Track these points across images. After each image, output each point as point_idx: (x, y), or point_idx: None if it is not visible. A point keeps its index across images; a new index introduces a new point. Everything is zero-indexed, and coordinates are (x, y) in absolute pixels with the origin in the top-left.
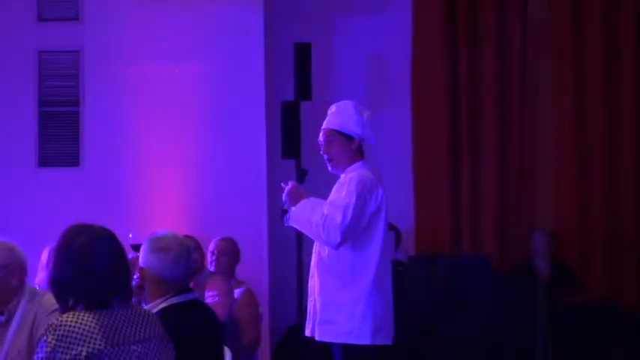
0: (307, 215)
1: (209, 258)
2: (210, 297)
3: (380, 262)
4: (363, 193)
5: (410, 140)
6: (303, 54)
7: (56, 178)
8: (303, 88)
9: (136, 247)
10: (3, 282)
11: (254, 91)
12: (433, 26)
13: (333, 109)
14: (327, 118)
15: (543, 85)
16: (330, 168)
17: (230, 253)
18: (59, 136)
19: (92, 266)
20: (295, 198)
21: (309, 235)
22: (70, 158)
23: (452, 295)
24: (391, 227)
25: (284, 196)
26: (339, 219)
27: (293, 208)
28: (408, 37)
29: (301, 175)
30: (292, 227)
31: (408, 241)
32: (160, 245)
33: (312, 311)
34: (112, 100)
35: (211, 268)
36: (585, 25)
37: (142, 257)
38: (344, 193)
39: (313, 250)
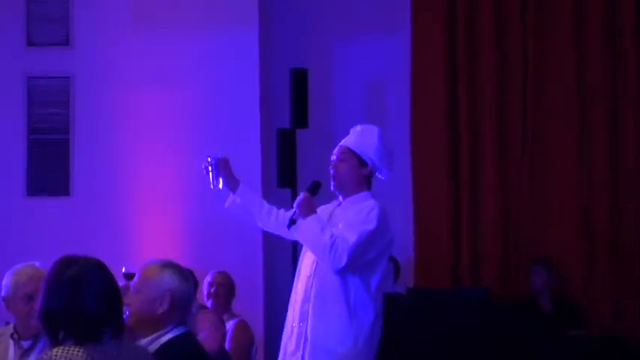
0: (316, 232)
1: (206, 290)
2: (200, 331)
3: (380, 295)
4: (382, 226)
5: (409, 168)
6: (299, 80)
7: (45, 207)
8: (300, 115)
9: (129, 276)
10: (34, 310)
11: (249, 118)
12: (433, 51)
13: (358, 128)
14: (347, 136)
15: (545, 109)
16: (332, 186)
17: (227, 285)
18: (48, 165)
19: (83, 298)
20: (306, 210)
21: (313, 252)
22: (60, 187)
23: (452, 330)
24: (390, 258)
25: (295, 205)
26: (351, 241)
27: (301, 220)
28: (407, 63)
29: (314, 188)
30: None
31: (407, 272)
32: None
33: (296, 337)
34: (103, 127)
35: (209, 300)
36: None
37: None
38: (363, 218)
39: (305, 274)
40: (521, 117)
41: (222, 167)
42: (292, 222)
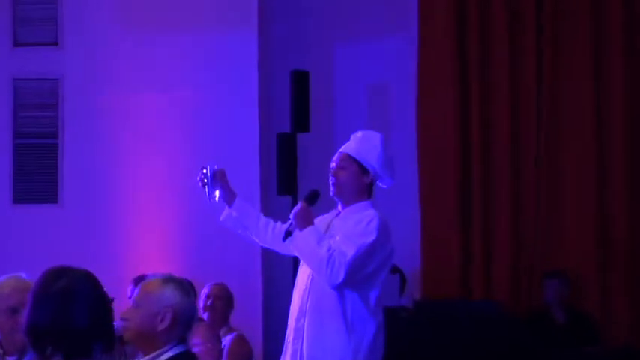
0: (313, 245)
1: (202, 302)
2: (195, 345)
3: (381, 309)
4: (381, 237)
5: (416, 176)
6: (300, 82)
7: (32, 216)
8: (301, 119)
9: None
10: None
11: (247, 122)
12: (441, 52)
13: (359, 135)
14: (348, 143)
15: (561, 114)
16: (332, 192)
17: (224, 297)
18: (36, 171)
19: (72, 312)
20: (303, 221)
21: (309, 266)
22: (48, 195)
23: (461, 345)
24: (395, 269)
25: (291, 216)
26: (349, 255)
27: (297, 232)
28: (413, 64)
29: (312, 197)
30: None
31: (413, 284)
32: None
33: (290, 353)
34: (94, 131)
35: (205, 313)
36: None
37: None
38: (362, 230)
39: (301, 287)
40: (535, 122)
41: (219, 179)
42: (288, 234)
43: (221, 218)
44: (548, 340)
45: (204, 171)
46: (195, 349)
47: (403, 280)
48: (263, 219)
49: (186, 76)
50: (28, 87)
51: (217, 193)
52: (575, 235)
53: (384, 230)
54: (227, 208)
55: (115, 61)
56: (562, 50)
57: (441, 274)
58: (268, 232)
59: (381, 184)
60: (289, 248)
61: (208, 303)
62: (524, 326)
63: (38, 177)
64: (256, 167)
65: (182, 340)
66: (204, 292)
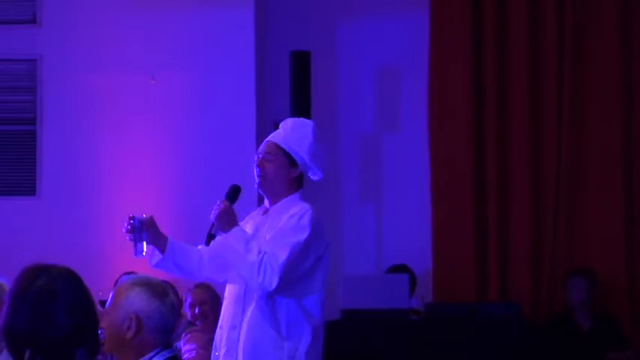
0: (240, 249)
1: (189, 312)
2: (187, 351)
3: (323, 313)
4: (315, 233)
5: (427, 167)
6: (300, 65)
7: (8, 209)
8: (301, 104)
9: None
10: None
11: (242, 109)
12: (456, 31)
13: (288, 123)
14: (276, 131)
15: (585, 99)
16: (257, 184)
17: (210, 302)
18: (12, 161)
19: (52, 314)
20: (226, 222)
21: (238, 273)
22: (25, 186)
23: (476, 351)
24: (404, 269)
25: (212, 217)
26: (282, 258)
27: (221, 235)
28: (425, 45)
29: (233, 194)
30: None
31: (424, 285)
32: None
33: None
34: (75, 117)
35: (196, 322)
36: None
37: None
38: (293, 227)
39: (235, 296)
40: (557, 106)
41: (147, 229)
42: (211, 237)
43: (152, 263)
44: (571, 346)
45: (131, 221)
46: (189, 355)
47: (413, 280)
48: (197, 255)
49: (176, 57)
50: (3, 68)
51: (145, 244)
52: (601, 231)
53: (317, 225)
54: (160, 254)
55: (98, 40)
56: (587, 29)
57: (454, 273)
58: (203, 265)
59: (311, 176)
60: (221, 273)
61: (196, 312)
62: (545, 331)
63: (14, 167)
64: (253, 160)
65: (166, 345)
66: (188, 300)
